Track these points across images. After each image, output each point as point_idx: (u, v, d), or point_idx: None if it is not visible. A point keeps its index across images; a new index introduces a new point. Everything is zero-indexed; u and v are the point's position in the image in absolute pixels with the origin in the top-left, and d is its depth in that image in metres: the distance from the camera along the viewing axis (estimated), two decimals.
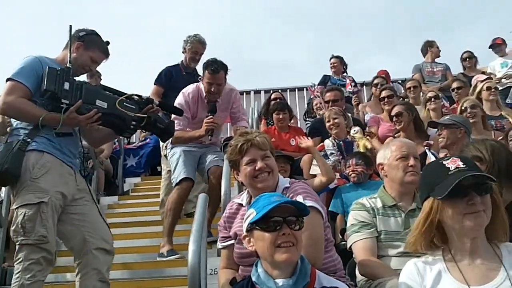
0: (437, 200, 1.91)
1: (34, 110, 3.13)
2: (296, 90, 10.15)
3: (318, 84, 7.74)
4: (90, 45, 3.36)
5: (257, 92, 10.41)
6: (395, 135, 5.15)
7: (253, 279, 1.99)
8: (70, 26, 3.35)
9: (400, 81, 8.80)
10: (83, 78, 3.60)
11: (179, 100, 4.67)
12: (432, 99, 5.76)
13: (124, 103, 3.28)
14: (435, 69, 7.88)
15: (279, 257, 1.92)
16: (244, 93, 10.37)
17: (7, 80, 3.11)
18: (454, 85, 6.59)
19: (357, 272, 2.84)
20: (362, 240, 2.76)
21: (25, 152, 3.04)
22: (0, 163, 2.97)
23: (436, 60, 8.00)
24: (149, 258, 4.43)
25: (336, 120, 4.94)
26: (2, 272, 4.13)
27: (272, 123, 6.11)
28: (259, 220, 1.96)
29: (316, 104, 6.90)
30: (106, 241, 3.16)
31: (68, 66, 3.20)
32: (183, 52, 6.04)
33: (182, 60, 6.08)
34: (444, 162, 1.95)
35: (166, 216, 4.45)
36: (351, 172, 4.23)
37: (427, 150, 4.57)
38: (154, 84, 5.95)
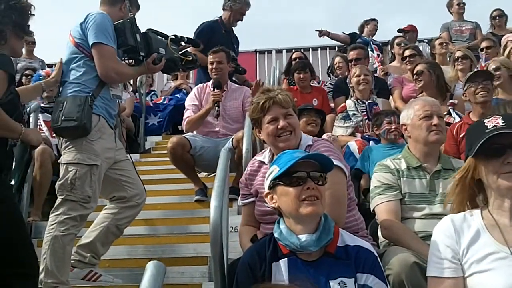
0: (472, 159, 1.85)
1: (130, 72, 3.41)
2: (319, 49, 9.96)
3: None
4: (132, 4, 3.52)
5: (278, 51, 10.25)
6: (418, 95, 5.02)
7: (276, 235, 1.98)
8: None
9: (426, 40, 8.54)
10: None
11: (190, 95, 5.14)
12: (460, 59, 5.57)
13: (172, 46, 3.49)
14: (463, 28, 7.60)
15: (304, 210, 1.90)
16: (266, 52, 10.29)
17: (96, 43, 3.14)
18: (483, 44, 6.34)
19: (379, 233, 2.82)
20: (385, 202, 2.72)
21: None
22: (79, 118, 3.01)
23: (466, 18, 7.70)
24: (171, 215, 4.47)
25: (367, 77, 4.86)
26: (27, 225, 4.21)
27: (293, 83, 6.03)
28: (282, 176, 1.94)
29: (337, 63, 6.76)
30: (140, 196, 3.33)
31: (131, 16, 3.35)
32: (224, 9, 6.03)
33: (222, 17, 6.07)
34: (484, 121, 1.87)
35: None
36: (393, 129, 4.09)
37: (451, 110, 4.47)
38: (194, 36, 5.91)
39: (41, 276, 2.88)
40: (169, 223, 4.31)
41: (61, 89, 3.24)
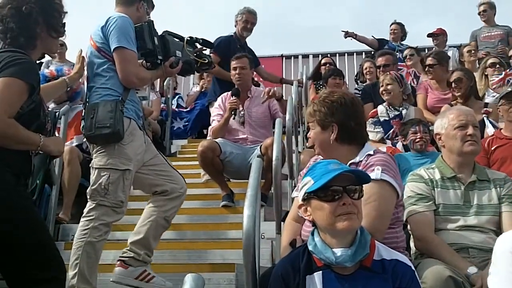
0: None
1: (149, 76, 3.37)
2: (346, 54, 9.92)
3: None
4: (148, 3, 3.47)
5: (305, 56, 10.22)
6: (452, 103, 4.93)
7: (310, 248, 1.93)
8: None
9: (455, 47, 8.38)
10: None
11: (215, 105, 5.18)
12: (496, 65, 5.36)
13: (188, 49, 3.48)
14: (492, 33, 7.32)
15: (340, 225, 1.84)
16: (292, 57, 10.29)
17: (119, 48, 3.12)
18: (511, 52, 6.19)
19: (411, 244, 2.77)
20: (419, 213, 2.67)
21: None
22: (113, 124, 3.00)
23: (498, 22, 7.44)
24: (197, 220, 4.47)
25: (388, 87, 4.79)
26: (55, 228, 4.26)
27: (322, 88, 6.02)
28: (317, 189, 1.89)
29: (366, 68, 6.70)
30: (181, 186, 3.35)
31: (150, 19, 3.33)
32: (235, 26, 6.18)
33: (235, 32, 6.18)
34: None
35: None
36: (418, 140, 4.06)
37: (485, 118, 4.37)
38: (212, 52, 5.89)
39: (73, 282, 2.89)
40: (195, 228, 4.31)
41: (87, 95, 3.22)
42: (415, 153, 4.09)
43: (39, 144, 2.38)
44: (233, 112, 4.76)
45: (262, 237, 3.63)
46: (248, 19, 6.12)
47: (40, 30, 2.50)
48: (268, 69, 10.05)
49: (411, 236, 2.74)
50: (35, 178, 2.75)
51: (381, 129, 4.76)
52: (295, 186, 3.33)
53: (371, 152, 2.38)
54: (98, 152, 3.11)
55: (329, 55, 8.60)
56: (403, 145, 4.37)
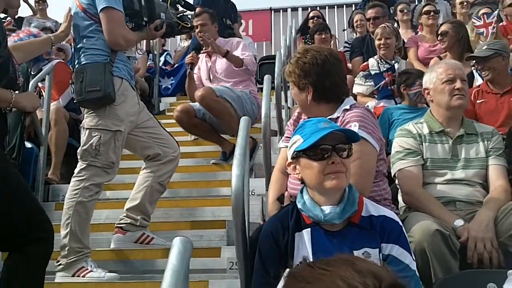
0: None
1: (135, 37, 3.29)
2: (336, 7, 9.76)
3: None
4: None
5: (294, 9, 10.03)
6: (441, 55, 4.89)
7: (299, 206, 1.95)
8: None
9: None
10: None
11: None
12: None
13: (171, 11, 3.44)
14: None
15: (329, 184, 1.85)
16: (281, 11, 10.11)
17: (107, 8, 3.04)
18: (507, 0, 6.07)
19: (399, 198, 2.80)
20: (407, 168, 2.68)
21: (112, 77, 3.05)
22: (103, 87, 2.96)
23: None
24: (188, 178, 4.47)
25: (388, 41, 4.73)
26: (45, 189, 4.26)
27: (310, 43, 5.93)
28: (306, 148, 1.88)
29: (357, 21, 6.59)
30: (175, 149, 3.36)
31: None
32: None
33: None
34: None
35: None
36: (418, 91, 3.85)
37: (474, 71, 4.34)
38: (198, 6, 5.70)
39: (65, 241, 2.93)
40: (186, 186, 4.32)
41: (75, 57, 3.17)
42: (408, 106, 3.99)
43: (10, 100, 2.31)
44: (189, 68, 4.72)
45: (252, 193, 3.65)
46: None
47: None
48: (257, 23, 9.97)
49: (399, 190, 2.77)
50: (11, 137, 2.68)
51: (372, 82, 4.73)
52: None
53: (347, 107, 2.39)
54: (90, 113, 3.08)
55: (318, 7, 8.47)
56: (394, 100, 4.34)
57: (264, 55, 8.92)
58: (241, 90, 4.65)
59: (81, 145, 3.09)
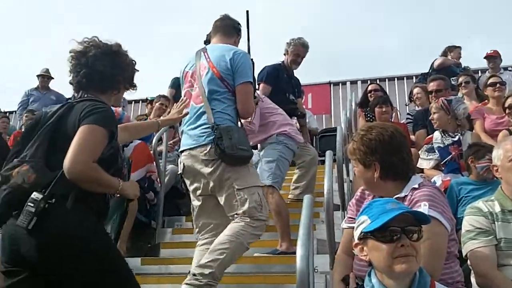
0: None
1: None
2: (396, 79, 9.74)
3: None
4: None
5: (353, 82, 10.08)
6: (511, 128, 4.74)
7: None
8: (247, 11, 3.75)
9: (510, 68, 8.08)
10: None
11: None
12: None
13: None
14: None
15: (398, 268, 1.79)
16: (340, 84, 10.17)
17: (247, 82, 3.41)
18: None
19: (472, 280, 2.65)
20: (480, 248, 2.56)
21: None
22: (250, 148, 3.35)
23: None
24: (248, 253, 4.40)
25: (435, 116, 4.69)
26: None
27: (370, 115, 5.92)
28: (374, 229, 1.84)
29: (415, 94, 6.54)
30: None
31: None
32: (284, 54, 5.94)
33: (284, 61, 5.94)
34: None
35: None
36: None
37: None
38: (263, 82, 5.73)
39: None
40: (246, 262, 4.22)
41: (205, 115, 3.37)
42: (476, 180, 3.86)
43: (118, 188, 2.44)
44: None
45: (316, 271, 3.56)
46: (299, 52, 5.81)
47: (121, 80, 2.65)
48: (316, 96, 10.07)
49: (471, 271, 2.63)
50: (109, 220, 2.85)
51: (435, 156, 4.62)
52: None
53: (416, 186, 2.32)
54: (238, 174, 3.26)
55: (377, 80, 8.48)
56: (461, 174, 4.21)
57: (324, 127, 8.98)
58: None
59: (240, 206, 3.20)
